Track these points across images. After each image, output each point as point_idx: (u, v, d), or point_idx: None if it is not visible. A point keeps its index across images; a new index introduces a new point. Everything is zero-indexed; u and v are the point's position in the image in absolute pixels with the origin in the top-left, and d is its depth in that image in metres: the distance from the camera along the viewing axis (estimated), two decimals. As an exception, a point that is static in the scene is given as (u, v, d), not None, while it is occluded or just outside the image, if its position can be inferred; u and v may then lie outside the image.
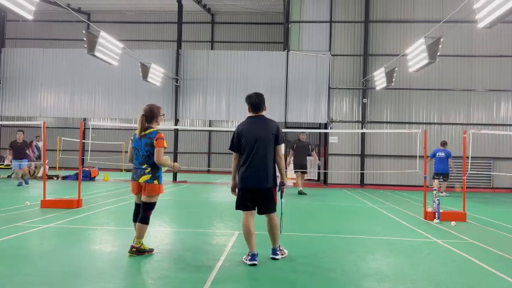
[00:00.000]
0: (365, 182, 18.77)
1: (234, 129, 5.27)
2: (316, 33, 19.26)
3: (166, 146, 5.24)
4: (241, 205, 5.07)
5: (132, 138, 5.42)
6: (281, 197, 5.37)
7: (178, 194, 13.85)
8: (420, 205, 10.78)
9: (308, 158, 15.48)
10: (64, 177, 18.23)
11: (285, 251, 5.43)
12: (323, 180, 20.26)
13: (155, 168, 5.28)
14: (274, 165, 5.07)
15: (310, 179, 19.12)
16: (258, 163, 4.92)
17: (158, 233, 7.05)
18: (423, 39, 12.43)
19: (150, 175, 5.23)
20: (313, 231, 7.35)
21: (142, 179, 5.25)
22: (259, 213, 5.09)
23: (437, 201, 8.61)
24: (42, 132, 10.23)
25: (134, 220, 5.47)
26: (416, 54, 13.26)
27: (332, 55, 19.08)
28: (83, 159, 17.66)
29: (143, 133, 5.26)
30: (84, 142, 22.85)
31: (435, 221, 8.52)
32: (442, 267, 5.16)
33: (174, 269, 4.86)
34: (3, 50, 20.99)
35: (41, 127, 10.30)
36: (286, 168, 17.85)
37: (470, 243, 6.60)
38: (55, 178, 18.05)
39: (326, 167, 19.56)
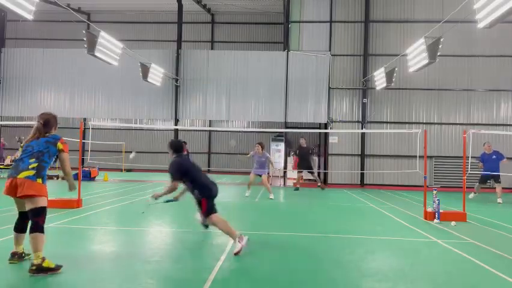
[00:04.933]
0: (365, 182, 18.77)
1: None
2: (316, 33, 19.26)
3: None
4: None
5: (22, 145, 4.77)
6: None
7: (178, 194, 13.83)
8: (420, 205, 10.77)
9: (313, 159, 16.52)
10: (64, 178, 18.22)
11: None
12: (323, 180, 20.25)
13: (42, 168, 4.59)
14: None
15: (310, 179, 19.14)
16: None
17: (159, 233, 7.07)
18: (423, 39, 12.44)
19: (35, 171, 4.49)
20: (313, 231, 7.35)
21: (23, 174, 4.43)
22: None
23: (437, 201, 8.61)
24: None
25: (16, 230, 4.77)
26: (416, 54, 13.27)
27: (332, 55, 19.07)
28: (83, 159, 17.64)
29: (42, 136, 4.74)
30: (84, 142, 22.83)
31: (435, 221, 8.52)
32: (442, 267, 5.16)
33: (174, 269, 4.86)
34: (3, 50, 21.00)
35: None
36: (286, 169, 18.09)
37: (470, 243, 6.59)
38: (55, 178, 18.05)
39: (326, 167, 19.56)
